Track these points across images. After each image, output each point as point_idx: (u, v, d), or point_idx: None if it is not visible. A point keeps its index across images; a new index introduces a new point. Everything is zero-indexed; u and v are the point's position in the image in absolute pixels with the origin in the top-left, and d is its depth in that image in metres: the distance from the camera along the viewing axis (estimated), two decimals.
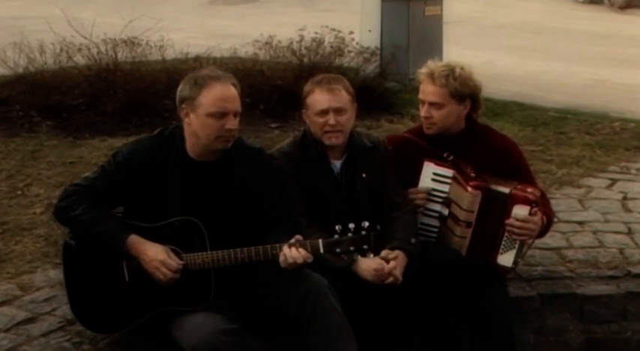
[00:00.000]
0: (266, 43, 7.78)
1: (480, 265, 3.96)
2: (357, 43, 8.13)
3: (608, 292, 4.47)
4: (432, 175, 4.05)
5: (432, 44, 8.59)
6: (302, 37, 7.71)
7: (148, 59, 7.49)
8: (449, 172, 4.02)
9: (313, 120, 3.87)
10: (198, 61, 7.55)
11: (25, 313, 3.97)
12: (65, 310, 3.87)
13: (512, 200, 3.91)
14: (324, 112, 3.81)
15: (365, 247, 3.56)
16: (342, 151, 3.94)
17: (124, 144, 3.83)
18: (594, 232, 5.09)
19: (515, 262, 4.02)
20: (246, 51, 7.96)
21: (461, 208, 3.96)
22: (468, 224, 3.95)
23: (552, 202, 4.78)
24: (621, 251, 4.83)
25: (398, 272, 3.71)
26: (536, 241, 4.31)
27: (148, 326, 3.60)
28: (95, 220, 3.57)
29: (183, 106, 3.60)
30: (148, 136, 3.75)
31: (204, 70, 3.73)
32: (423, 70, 4.07)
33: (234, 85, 3.61)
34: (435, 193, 4.05)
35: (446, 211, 4.03)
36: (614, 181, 6.00)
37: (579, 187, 5.87)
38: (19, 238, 4.78)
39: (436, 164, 4.04)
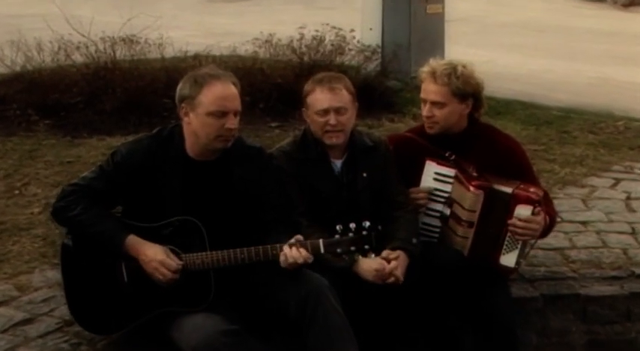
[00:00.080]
0: (266, 41, 7.78)
1: (482, 265, 3.96)
2: (358, 42, 8.12)
3: (612, 293, 4.48)
4: (433, 175, 4.05)
5: (433, 42, 8.58)
6: (302, 35, 7.71)
7: (146, 57, 7.48)
8: (451, 172, 4.02)
9: (314, 119, 3.87)
10: (198, 60, 7.55)
11: (22, 314, 3.98)
12: (63, 310, 3.88)
13: (514, 200, 3.91)
14: (324, 112, 3.82)
15: (366, 247, 3.56)
16: (343, 151, 3.94)
17: (122, 143, 3.83)
18: (598, 233, 5.09)
19: (517, 263, 4.02)
20: (245, 49, 7.95)
21: (463, 207, 3.96)
22: (470, 224, 3.96)
23: (555, 201, 4.78)
24: (625, 252, 4.84)
25: (399, 272, 3.72)
26: (539, 242, 4.30)
27: (146, 327, 3.60)
28: (93, 221, 3.57)
29: (183, 105, 3.60)
30: (147, 135, 3.75)
31: (204, 69, 3.73)
32: (425, 69, 4.07)
33: (234, 83, 3.62)
34: (437, 192, 4.05)
35: (448, 211, 4.03)
36: (617, 181, 6.00)
37: (583, 186, 5.87)
38: (17, 238, 4.78)
39: (438, 163, 4.05)
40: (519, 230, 3.92)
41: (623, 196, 5.71)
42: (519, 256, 4.01)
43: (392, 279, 3.71)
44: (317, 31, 7.80)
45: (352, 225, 3.54)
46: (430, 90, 4.03)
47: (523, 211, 3.91)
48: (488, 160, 4.03)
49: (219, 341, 3.37)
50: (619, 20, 14.54)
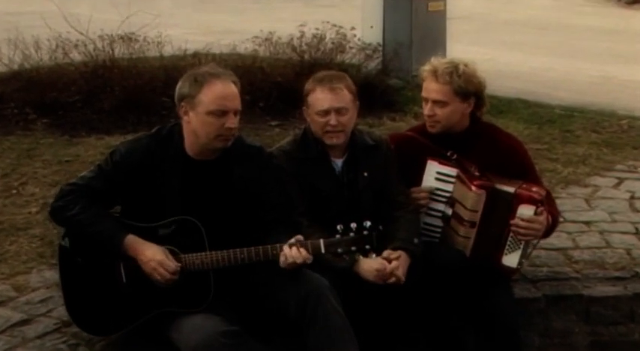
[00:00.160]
0: (266, 39, 7.78)
1: (484, 265, 3.96)
2: (359, 40, 8.12)
3: (615, 294, 4.47)
4: (435, 174, 4.05)
5: (435, 40, 8.58)
6: (302, 33, 7.71)
7: (145, 56, 7.48)
8: (453, 171, 4.02)
9: (314, 119, 3.87)
10: (197, 58, 7.55)
11: (20, 315, 3.98)
12: (61, 311, 3.88)
13: (517, 200, 3.91)
14: (325, 113, 3.81)
15: (367, 247, 3.56)
16: (344, 150, 3.94)
17: (121, 142, 3.83)
18: (601, 233, 5.08)
19: (520, 263, 4.02)
20: (245, 47, 7.96)
21: (465, 207, 3.96)
22: (472, 224, 3.96)
23: (558, 201, 4.78)
24: (628, 252, 4.83)
25: (400, 272, 3.71)
26: (542, 242, 4.30)
27: (145, 328, 3.60)
28: (92, 220, 3.57)
29: (183, 103, 3.60)
30: (146, 134, 3.75)
31: (203, 67, 3.73)
32: (426, 68, 4.07)
33: (234, 82, 3.61)
34: (439, 192, 4.05)
35: (449, 211, 4.03)
36: (621, 180, 5.99)
37: (585, 186, 5.87)
38: (14, 238, 4.78)
39: (440, 163, 4.04)
40: (522, 230, 3.92)
41: (627, 195, 5.71)
42: (522, 257, 4.01)
43: (393, 279, 3.70)
44: (317, 29, 7.80)
45: (353, 225, 3.54)
46: (432, 89, 4.02)
47: (526, 210, 3.90)
48: (490, 159, 4.03)
49: (218, 342, 3.37)
50: (622, 18, 14.53)
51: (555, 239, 4.75)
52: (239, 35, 8.30)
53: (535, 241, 4.10)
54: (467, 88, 4.01)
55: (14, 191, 5.49)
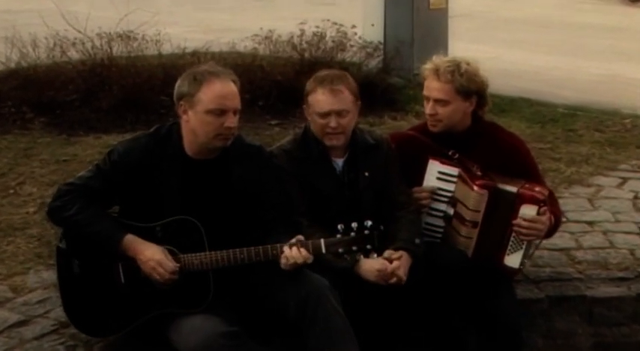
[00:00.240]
0: (266, 37, 7.78)
1: (486, 266, 3.96)
2: (360, 38, 8.12)
3: (619, 295, 4.47)
4: (437, 174, 4.05)
5: (436, 39, 8.58)
6: (303, 32, 7.71)
7: (144, 54, 7.49)
8: (454, 171, 4.02)
9: (314, 119, 3.87)
10: (196, 56, 7.56)
11: (17, 316, 3.97)
12: (59, 312, 3.88)
13: (519, 199, 3.91)
14: (325, 115, 3.81)
15: (368, 246, 3.56)
16: (345, 149, 3.94)
17: (119, 142, 3.83)
18: (604, 233, 5.08)
19: (522, 263, 4.02)
20: (245, 46, 7.96)
21: (467, 207, 3.96)
22: (474, 224, 3.96)
23: (561, 201, 4.78)
24: (632, 252, 4.83)
25: (401, 272, 3.71)
26: (545, 242, 4.31)
27: (144, 329, 3.60)
28: (90, 220, 3.57)
29: (182, 102, 3.60)
30: (145, 133, 3.75)
31: (203, 66, 3.73)
32: (428, 66, 4.06)
33: (234, 81, 3.61)
34: (440, 192, 4.05)
35: (451, 211, 4.03)
36: (624, 180, 5.99)
37: (589, 185, 5.87)
38: (12, 239, 4.78)
39: (441, 162, 4.04)
40: (524, 230, 3.92)
41: (631, 195, 5.71)
42: (524, 257, 4.01)
43: (394, 279, 3.70)
44: (318, 27, 7.80)
45: (354, 224, 3.54)
46: (433, 87, 4.02)
47: (528, 210, 3.91)
48: (492, 158, 4.03)
49: (217, 343, 3.37)
50: (626, 16, 14.54)
51: (558, 239, 4.75)
52: (238, 33, 8.30)
53: (537, 242, 4.10)
54: (469, 86, 4.01)
55: (11, 191, 5.49)
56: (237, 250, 3.54)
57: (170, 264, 3.53)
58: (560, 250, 4.81)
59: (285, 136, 4.32)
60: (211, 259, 3.54)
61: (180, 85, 3.64)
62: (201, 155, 3.65)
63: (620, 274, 4.60)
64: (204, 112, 3.54)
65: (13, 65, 7.34)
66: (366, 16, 8.73)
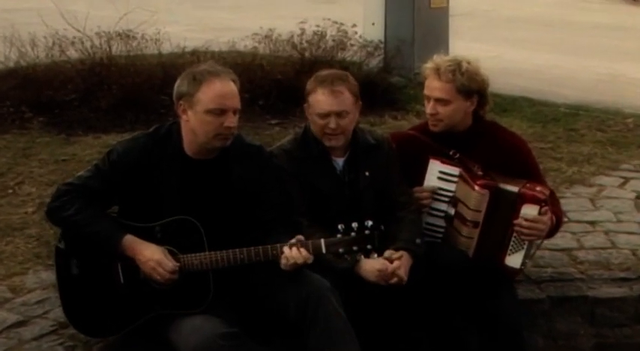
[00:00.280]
0: (266, 36, 7.78)
1: (487, 266, 3.96)
2: (360, 37, 8.12)
3: (621, 295, 4.47)
4: (437, 174, 4.06)
5: (437, 38, 8.58)
6: (303, 31, 7.71)
7: (143, 53, 7.49)
8: (455, 171, 4.02)
9: (314, 120, 3.87)
10: (196, 55, 7.56)
11: (16, 316, 3.98)
12: (58, 313, 3.88)
13: (520, 199, 3.92)
14: (324, 115, 3.81)
15: (369, 246, 3.56)
16: (345, 149, 3.94)
17: (118, 142, 3.83)
18: (606, 233, 5.09)
19: (523, 263, 4.03)
20: (245, 45, 7.96)
21: (468, 207, 3.96)
22: (475, 224, 3.96)
23: (563, 201, 4.78)
24: (634, 252, 4.83)
25: (402, 272, 3.71)
26: (546, 242, 4.31)
27: (143, 329, 3.60)
28: (89, 221, 3.57)
29: (181, 102, 3.61)
30: (144, 133, 3.75)
31: (202, 65, 3.73)
32: (429, 65, 4.07)
33: (233, 81, 3.62)
34: (441, 192, 4.06)
35: (452, 211, 4.03)
36: (626, 180, 5.99)
37: (590, 185, 5.87)
38: (10, 239, 4.78)
39: (442, 162, 4.05)
40: (525, 230, 3.93)
41: (633, 195, 5.71)
42: (525, 257, 4.01)
43: (395, 279, 3.71)
44: (318, 26, 7.80)
45: (354, 224, 3.54)
46: (434, 87, 4.03)
47: (529, 210, 3.91)
48: (493, 158, 4.03)
49: (217, 344, 3.37)
50: (628, 15, 14.54)
51: (560, 239, 4.75)
52: (238, 32, 8.30)
53: (539, 242, 4.11)
54: (470, 86, 4.01)
55: (10, 191, 5.50)
56: (237, 250, 3.54)
57: (170, 263, 3.53)
58: (562, 250, 4.81)
59: (285, 136, 4.32)
60: (211, 260, 3.54)
61: (179, 85, 3.64)
62: (200, 155, 3.66)
63: (622, 275, 4.60)
64: (204, 111, 3.54)
65: (11, 64, 7.34)
66: (367, 15, 8.74)
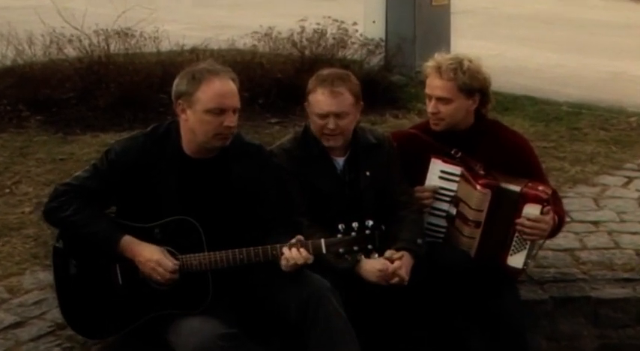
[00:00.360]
0: (265, 34, 7.79)
1: (489, 266, 3.96)
2: (361, 35, 8.13)
3: (624, 296, 4.47)
4: (439, 173, 4.05)
5: (439, 35, 8.58)
6: (303, 28, 7.71)
7: (142, 51, 7.49)
8: (457, 170, 4.02)
9: (313, 119, 3.87)
10: (195, 54, 7.56)
11: (13, 317, 3.98)
12: (55, 313, 3.88)
13: (523, 199, 3.91)
14: (323, 116, 3.81)
15: (369, 246, 3.56)
16: (346, 148, 3.94)
17: (116, 141, 3.83)
18: (609, 233, 5.08)
19: (525, 264, 4.03)
20: (244, 43, 7.96)
21: (470, 207, 3.96)
22: (477, 224, 3.96)
23: (565, 201, 4.78)
24: (638, 253, 4.83)
25: (403, 272, 3.71)
26: (549, 242, 4.31)
27: (142, 330, 3.60)
28: (87, 221, 3.57)
29: (180, 101, 3.60)
30: (142, 132, 3.75)
31: (201, 64, 3.72)
32: (430, 64, 4.06)
33: (233, 80, 3.61)
34: (443, 191, 4.05)
35: (454, 211, 4.03)
36: (630, 179, 5.99)
37: (594, 185, 5.87)
38: (7, 239, 4.78)
39: (444, 161, 4.05)
40: (527, 230, 3.92)
41: (636, 194, 5.70)
42: (527, 257, 4.01)
43: (396, 279, 3.70)
44: (318, 24, 7.81)
45: (355, 224, 3.54)
46: (435, 85, 4.02)
47: (532, 210, 3.91)
48: (495, 157, 4.03)
49: (216, 345, 3.37)
50: (633, 12, 14.52)
51: (562, 240, 4.75)
52: (238, 30, 8.30)
53: (541, 242, 4.11)
54: (472, 84, 4.01)
55: (7, 190, 5.50)
56: (237, 250, 3.54)
57: (170, 263, 3.53)
58: (565, 250, 4.81)
59: (285, 135, 4.32)
60: (210, 260, 3.54)
61: (178, 84, 3.63)
62: (199, 154, 3.65)
63: (626, 275, 4.59)
64: (203, 111, 3.53)
65: (8, 63, 7.34)
66: (368, 13, 8.73)
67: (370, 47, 8.11)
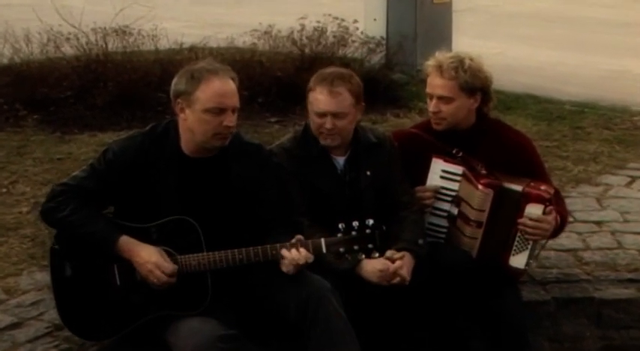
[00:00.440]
0: (265, 32, 7.79)
1: (491, 266, 3.96)
2: (362, 33, 8.14)
3: (628, 297, 4.46)
4: (440, 173, 4.05)
5: (440, 33, 8.59)
6: (303, 26, 7.72)
7: (140, 49, 7.50)
8: (458, 169, 4.02)
9: (312, 117, 3.87)
10: (194, 52, 7.56)
11: (10, 318, 3.98)
12: (53, 314, 3.87)
13: (525, 199, 3.91)
14: (321, 115, 3.81)
15: (370, 246, 3.55)
16: (346, 148, 3.94)
17: (114, 141, 3.82)
18: (613, 233, 5.08)
19: (527, 264, 4.02)
20: (244, 41, 7.97)
21: (471, 207, 3.96)
22: (479, 224, 3.95)
23: (568, 200, 4.78)
24: None
25: (404, 272, 3.71)
26: (551, 242, 4.31)
27: (140, 332, 3.59)
28: (84, 221, 3.57)
29: (179, 100, 3.59)
30: (140, 132, 3.74)
31: (200, 63, 3.71)
32: (431, 63, 4.06)
33: (232, 79, 3.61)
34: (444, 191, 4.05)
35: (455, 211, 4.03)
36: (633, 179, 5.99)
37: (597, 185, 5.87)
38: (4, 239, 4.78)
39: (445, 161, 4.04)
40: (530, 230, 3.92)
41: None
42: (529, 257, 4.01)
43: (397, 279, 3.70)
44: (318, 21, 7.81)
45: (355, 223, 3.53)
46: (436, 84, 4.02)
47: (534, 210, 3.90)
48: (497, 156, 4.03)
49: (216, 347, 3.36)
50: (635, 10, 14.52)
51: (565, 240, 4.75)
52: (237, 28, 8.31)
53: (543, 242, 4.10)
54: (473, 83, 4.00)
55: (4, 190, 5.49)
56: (236, 250, 3.54)
57: (168, 266, 3.52)
58: (568, 250, 4.81)
59: (285, 134, 4.32)
60: (209, 260, 3.54)
61: (177, 83, 3.62)
62: (198, 154, 3.65)
63: (629, 276, 4.59)
64: (202, 111, 3.53)
65: (5, 61, 7.35)
66: (368, 11, 8.74)
67: (371, 45, 8.12)
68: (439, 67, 4.00)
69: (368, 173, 3.94)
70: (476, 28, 11.13)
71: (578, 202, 5.49)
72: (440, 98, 4.01)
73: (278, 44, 7.76)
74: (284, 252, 3.51)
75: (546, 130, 7.06)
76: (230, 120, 3.55)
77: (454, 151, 4.05)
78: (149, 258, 3.52)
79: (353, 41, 7.90)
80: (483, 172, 3.98)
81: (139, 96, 6.88)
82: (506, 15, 13.64)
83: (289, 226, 3.70)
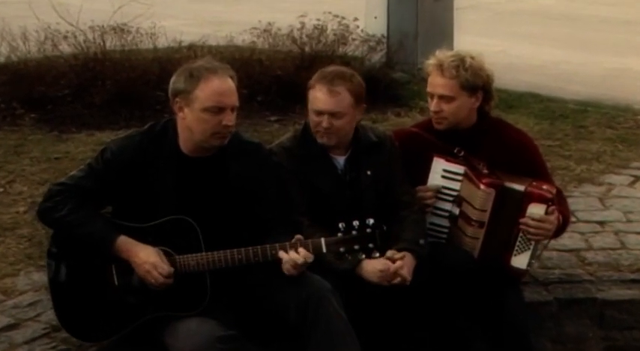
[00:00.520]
0: (265, 30, 7.79)
1: (492, 267, 3.96)
2: (362, 31, 8.13)
3: (631, 297, 4.47)
4: (441, 172, 4.05)
5: (442, 31, 8.58)
6: (303, 24, 7.71)
7: (138, 48, 7.50)
8: (460, 169, 4.02)
9: (310, 114, 3.88)
10: (192, 50, 7.56)
11: (7, 319, 3.98)
12: (50, 315, 3.88)
13: (527, 198, 3.91)
14: (319, 113, 3.81)
15: (370, 245, 3.55)
16: (346, 147, 3.94)
17: (112, 140, 3.82)
18: (616, 233, 5.08)
19: (529, 264, 4.03)
20: (243, 39, 7.96)
21: (473, 207, 3.96)
22: (481, 224, 3.95)
23: (571, 200, 4.78)
24: None
25: (405, 272, 3.71)
26: (554, 243, 4.31)
27: (138, 333, 3.59)
28: (82, 221, 3.57)
29: (177, 99, 3.59)
30: (138, 131, 3.74)
31: (199, 61, 3.72)
32: (431, 61, 4.05)
33: (231, 77, 3.61)
34: (445, 191, 4.05)
35: (457, 211, 4.03)
36: (637, 178, 5.99)
37: (600, 184, 5.87)
38: (1, 239, 4.79)
39: (446, 160, 4.04)
40: (532, 230, 3.92)
41: None
42: (532, 258, 4.01)
43: (398, 279, 3.70)
44: (319, 19, 7.80)
45: (355, 222, 3.53)
46: (437, 83, 4.02)
47: (536, 209, 3.91)
48: (498, 156, 4.03)
49: (215, 348, 3.36)
50: (636, 8, 14.51)
51: (568, 240, 4.75)
52: (236, 26, 8.30)
53: (545, 242, 4.11)
54: (474, 81, 4.00)
55: (1, 189, 5.50)
56: (235, 250, 3.54)
57: (166, 267, 3.52)
58: (570, 251, 4.81)
59: (284, 133, 4.32)
60: (208, 260, 3.54)
61: (175, 82, 3.62)
62: (197, 153, 3.65)
63: (632, 276, 4.59)
64: (201, 109, 3.53)
65: (2, 59, 7.35)
66: (369, 9, 8.73)
67: (371, 43, 8.11)
68: (440, 66, 4.00)
69: (368, 173, 3.94)
70: (477, 26, 11.13)
71: (580, 201, 5.49)
72: (441, 97, 4.01)
73: (278, 42, 7.76)
74: (282, 254, 3.51)
75: (549, 129, 7.05)
76: (229, 119, 3.55)
77: (455, 151, 4.05)
78: (147, 258, 3.52)
79: (353, 39, 7.90)
80: (485, 171, 3.98)
81: (137, 95, 6.88)
82: (508, 13, 13.64)
83: (289, 225, 3.69)
